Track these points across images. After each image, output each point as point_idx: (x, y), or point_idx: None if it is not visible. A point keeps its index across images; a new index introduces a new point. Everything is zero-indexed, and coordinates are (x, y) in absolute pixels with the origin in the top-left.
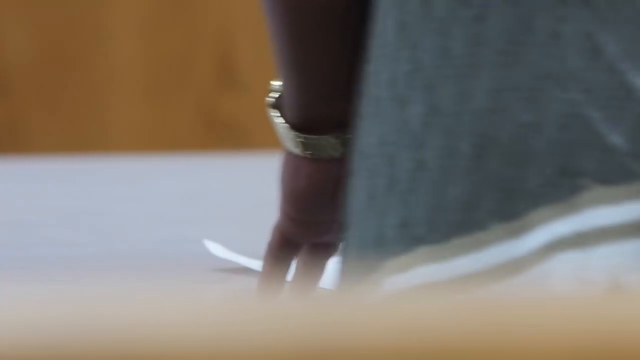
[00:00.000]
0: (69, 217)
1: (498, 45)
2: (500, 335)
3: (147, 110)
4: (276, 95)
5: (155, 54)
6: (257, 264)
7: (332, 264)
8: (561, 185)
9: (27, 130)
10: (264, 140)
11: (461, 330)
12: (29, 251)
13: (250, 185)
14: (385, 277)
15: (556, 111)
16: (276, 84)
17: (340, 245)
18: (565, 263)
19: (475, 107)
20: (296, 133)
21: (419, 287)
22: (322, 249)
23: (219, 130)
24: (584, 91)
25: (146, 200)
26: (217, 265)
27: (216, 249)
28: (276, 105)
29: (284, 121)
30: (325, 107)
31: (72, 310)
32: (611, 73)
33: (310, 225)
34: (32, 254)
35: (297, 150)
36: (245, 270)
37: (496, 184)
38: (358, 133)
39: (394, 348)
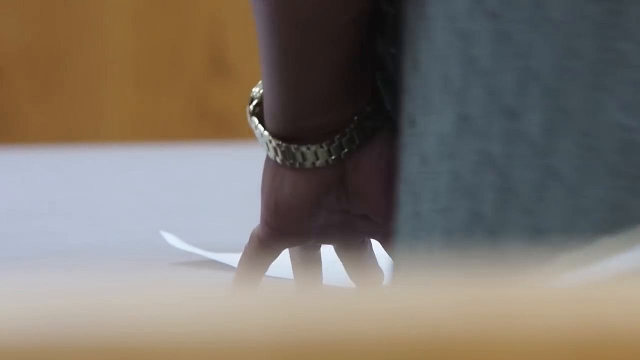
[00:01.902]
0: (61, 207)
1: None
2: (499, 327)
3: (139, 100)
4: (255, 102)
5: (147, 44)
6: (222, 257)
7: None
8: None
9: (18, 120)
10: None
11: (463, 322)
12: (20, 241)
13: (242, 176)
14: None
15: None
16: (255, 91)
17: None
18: None
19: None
20: (279, 142)
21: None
22: (312, 247)
23: (211, 121)
24: None
25: (138, 190)
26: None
27: (173, 240)
28: (256, 113)
29: (263, 130)
30: (314, 119)
31: (64, 302)
32: None
33: (291, 234)
34: (23, 244)
35: (278, 159)
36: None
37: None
38: (448, 151)
39: (393, 339)
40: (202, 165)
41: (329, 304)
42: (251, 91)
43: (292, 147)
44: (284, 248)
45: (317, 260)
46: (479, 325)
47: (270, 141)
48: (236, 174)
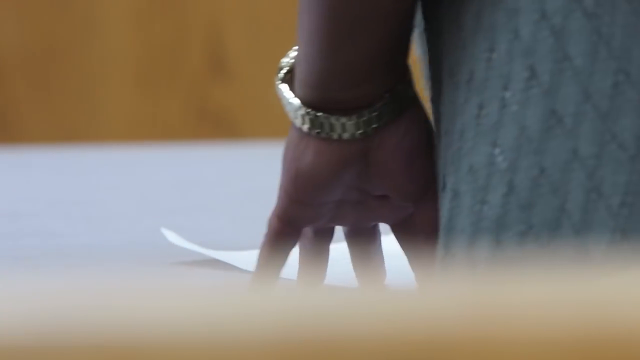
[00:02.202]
0: (60, 206)
1: None
2: (496, 326)
3: (138, 100)
4: (285, 70)
5: (146, 44)
6: (222, 255)
7: (336, 254)
8: None
9: (17, 119)
10: (255, 130)
11: (459, 322)
12: (19, 241)
13: (241, 175)
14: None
15: None
16: (285, 61)
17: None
18: None
19: None
20: (308, 110)
21: None
22: (323, 236)
23: (210, 120)
24: None
25: (137, 190)
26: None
27: (173, 238)
28: (286, 80)
29: (294, 97)
30: (348, 91)
31: (64, 301)
32: None
33: (307, 206)
34: (22, 244)
35: (305, 128)
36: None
37: None
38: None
39: (395, 340)
40: (201, 165)
41: (330, 304)
42: (280, 61)
43: (322, 116)
44: (306, 224)
45: (325, 253)
46: (478, 326)
47: (299, 108)
48: (235, 173)
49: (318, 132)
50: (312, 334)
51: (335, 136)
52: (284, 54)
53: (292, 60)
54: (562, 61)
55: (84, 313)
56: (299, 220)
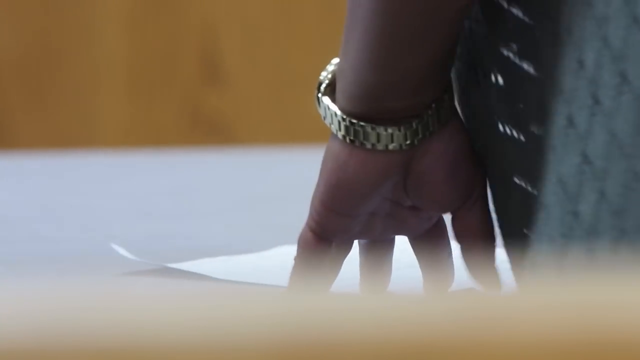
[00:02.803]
0: (54, 212)
1: None
2: (488, 330)
3: (131, 105)
4: (325, 83)
5: (140, 49)
6: (189, 266)
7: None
8: None
9: (11, 125)
10: (249, 136)
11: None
12: (13, 247)
13: (235, 181)
14: None
15: None
16: (324, 75)
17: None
18: None
19: None
20: (353, 121)
21: None
22: (380, 245)
23: (204, 126)
24: None
25: (131, 196)
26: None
27: (126, 253)
28: (327, 93)
29: (337, 109)
30: (398, 101)
31: (57, 307)
32: None
33: (342, 217)
34: (16, 249)
35: (349, 139)
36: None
37: None
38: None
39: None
40: (195, 171)
41: (325, 310)
42: (319, 77)
43: (369, 127)
44: (333, 237)
45: (388, 264)
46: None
47: (343, 119)
48: (229, 179)
49: (362, 143)
50: (305, 341)
51: (381, 147)
52: (278, 60)
53: (331, 74)
54: None
55: (79, 318)
56: (333, 232)
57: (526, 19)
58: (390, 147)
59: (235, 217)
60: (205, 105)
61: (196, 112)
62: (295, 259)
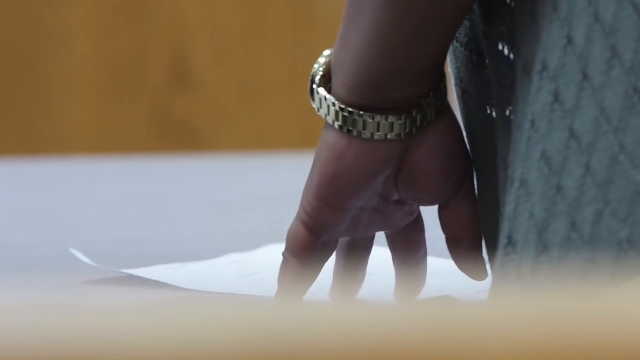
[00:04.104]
0: (24, 219)
1: None
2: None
3: (101, 111)
4: (320, 75)
5: (109, 56)
6: (142, 272)
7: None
8: None
9: None
10: (219, 142)
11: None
12: None
13: (205, 187)
14: None
15: None
16: (316, 67)
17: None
18: None
19: None
20: (352, 111)
21: None
22: (360, 248)
23: (174, 132)
24: None
25: (100, 203)
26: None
27: (84, 258)
28: (322, 84)
29: (335, 100)
30: (399, 90)
31: (27, 316)
32: None
33: (343, 211)
34: None
35: (346, 129)
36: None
37: None
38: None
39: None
40: (165, 177)
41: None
42: (312, 68)
43: (368, 117)
44: (326, 232)
45: (362, 269)
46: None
47: (342, 109)
48: (199, 185)
49: (360, 133)
50: (272, 351)
51: (379, 137)
52: (248, 66)
53: (325, 65)
54: None
55: (48, 326)
56: (326, 226)
57: (507, 0)
58: (390, 136)
59: (205, 223)
60: (175, 112)
61: (166, 118)
62: (285, 254)
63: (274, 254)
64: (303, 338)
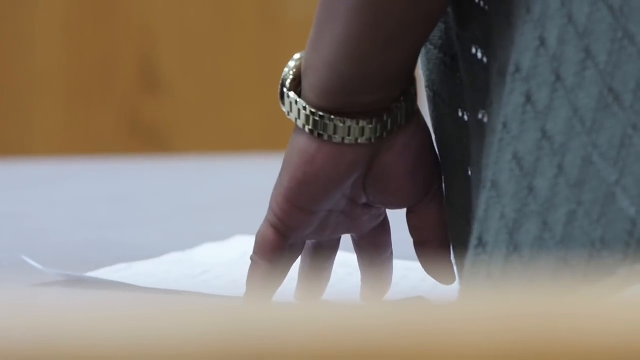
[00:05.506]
0: None
1: None
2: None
3: (69, 113)
4: (290, 79)
5: (77, 56)
6: (94, 274)
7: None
8: None
9: None
10: (187, 143)
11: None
12: None
13: (172, 189)
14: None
15: None
16: (286, 71)
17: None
18: None
19: None
20: (323, 115)
21: None
22: (326, 249)
23: (142, 134)
24: None
25: (68, 204)
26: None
27: (34, 263)
28: (291, 87)
29: (305, 103)
30: (370, 94)
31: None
32: None
33: (311, 214)
34: None
35: (316, 132)
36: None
37: None
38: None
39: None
40: (133, 178)
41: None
42: (281, 71)
43: (339, 120)
44: (294, 234)
45: (328, 270)
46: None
47: (312, 113)
48: (166, 187)
49: (330, 136)
50: (237, 351)
51: (350, 140)
52: (216, 68)
53: (295, 69)
54: (622, 39)
55: (18, 330)
56: (294, 228)
57: (481, 3)
58: (360, 140)
59: (173, 225)
60: (143, 113)
61: (134, 119)
62: (253, 257)
63: (215, 251)
64: (272, 338)
